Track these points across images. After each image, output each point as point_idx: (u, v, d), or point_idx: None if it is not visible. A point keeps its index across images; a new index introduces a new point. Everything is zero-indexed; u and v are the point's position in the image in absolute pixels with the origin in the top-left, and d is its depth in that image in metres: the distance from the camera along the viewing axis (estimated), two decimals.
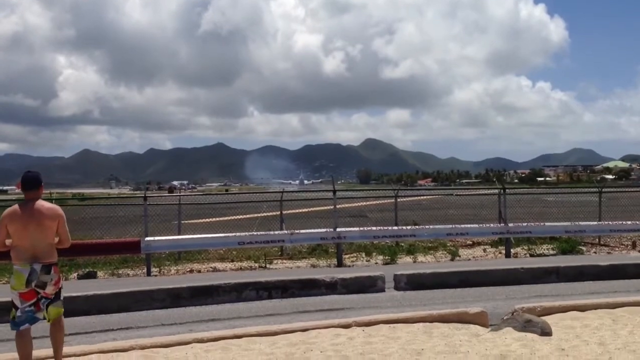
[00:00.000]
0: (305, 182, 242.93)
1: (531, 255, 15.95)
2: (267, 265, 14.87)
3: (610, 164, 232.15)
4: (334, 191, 16.47)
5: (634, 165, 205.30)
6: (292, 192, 32.98)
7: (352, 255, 16.15)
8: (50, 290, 5.12)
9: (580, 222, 16.82)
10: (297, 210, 21.65)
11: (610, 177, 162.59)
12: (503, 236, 16.17)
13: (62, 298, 5.27)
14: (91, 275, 13.81)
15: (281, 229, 16.00)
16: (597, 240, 18.06)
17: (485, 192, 24.93)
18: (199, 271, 14.37)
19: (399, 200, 18.93)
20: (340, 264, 14.73)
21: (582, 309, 7.08)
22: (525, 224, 16.70)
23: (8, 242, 5.15)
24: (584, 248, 16.83)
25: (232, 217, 22.35)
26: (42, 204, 5.21)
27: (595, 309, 7.09)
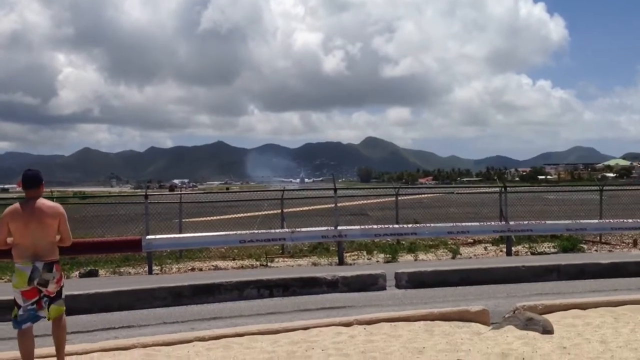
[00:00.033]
0: (306, 180, 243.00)
1: (532, 254, 15.94)
2: (269, 264, 14.88)
3: (611, 162, 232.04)
4: (335, 189, 16.48)
5: (635, 164, 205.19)
6: (293, 190, 33.00)
7: (353, 253, 16.16)
8: (52, 288, 5.12)
9: (581, 220, 16.80)
10: (298, 209, 21.68)
11: (611, 175, 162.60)
12: (504, 234, 16.17)
13: (63, 296, 5.27)
14: (92, 274, 13.82)
15: (282, 227, 16.00)
16: (598, 238, 18.06)
17: (486, 190, 24.91)
18: (201, 269, 14.38)
19: (399, 198, 18.93)
20: (341, 262, 14.74)
21: (583, 307, 7.07)
22: (526, 222, 16.72)
23: (9, 240, 5.15)
24: (585, 246, 16.83)
25: (233, 216, 22.37)
26: (43, 202, 5.22)
27: (597, 307, 7.09)
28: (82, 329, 7.37)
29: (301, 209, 22.05)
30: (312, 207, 21.77)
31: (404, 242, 17.11)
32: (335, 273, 10.19)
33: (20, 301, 5.04)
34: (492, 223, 16.51)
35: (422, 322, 6.58)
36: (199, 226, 18.85)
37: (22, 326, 5.03)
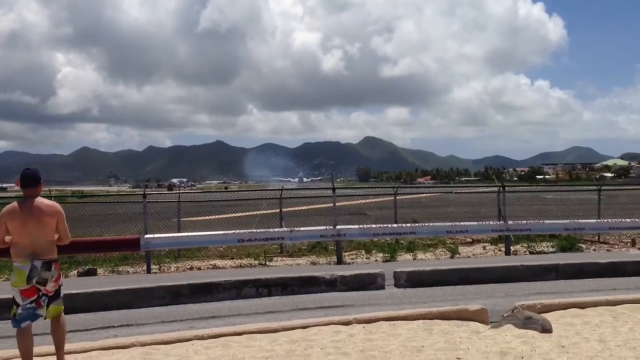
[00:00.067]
0: (305, 179, 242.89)
1: (531, 253, 15.96)
2: (267, 263, 14.87)
3: (610, 162, 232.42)
4: (334, 189, 16.47)
5: (633, 163, 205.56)
6: (292, 189, 32.99)
7: (351, 252, 16.16)
8: (50, 287, 5.12)
9: (579, 220, 16.79)
10: (296, 208, 21.66)
11: (609, 175, 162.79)
12: (503, 234, 16.18)
13: (62, 295, 5.27)
14: (91, 273, 13.81)
15: (281, 227, 15.99)
16: (596, 237, 18.07)
17: (485, 190, 24.93)
18: (199, 268, 14.37)
19: (398, 198, 18.92)
20: (340, 261, 14.74)
21: (582, 306, 7.08)
22: (524, 221, 16.71)
23: (7, 239, 5.14)
24: (583, 245, 16.84)
25: (232, 215, 22.36)
26: (41, 201, 5.21)
27: (595, 306, 7.10)
28: (80, 328, 7.37)
29: (300, 208, 22.04)
30: (310, 207, 21.77)
31: (402, 242, 17.11)
32: (333, 272, 10.18)
33: (19, 300, 5.04)
34: (491, 222, 16.51)
35: (421, 321, 6.58)
36: (198, 225, 18.83)
37: (21, 325, 5.03)
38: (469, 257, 15.48)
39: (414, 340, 5.84)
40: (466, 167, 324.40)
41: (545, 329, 6.08)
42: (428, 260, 14.79)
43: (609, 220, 16.95)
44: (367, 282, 9.99)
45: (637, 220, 16.72)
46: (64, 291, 5.36)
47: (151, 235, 14.16)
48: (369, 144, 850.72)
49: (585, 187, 24.19)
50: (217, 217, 21.85)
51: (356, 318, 6.64)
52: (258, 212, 21.18)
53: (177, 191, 34.90)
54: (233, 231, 15.04)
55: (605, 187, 20.41)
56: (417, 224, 16.62)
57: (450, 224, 16.31)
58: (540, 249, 16.36)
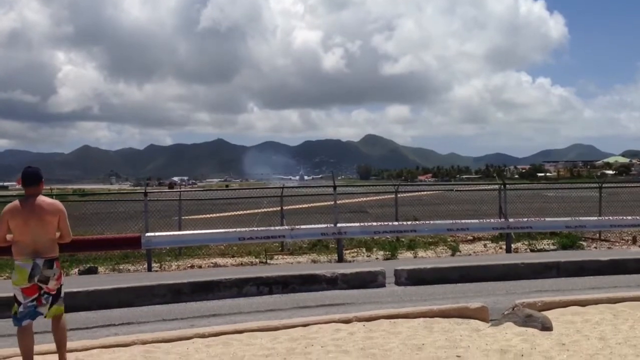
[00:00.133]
0: (306, 177, 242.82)
1: (532, 251, 15.96)
2: (268, 261, 14.88)
3: (611, 160, 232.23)
4: (334, 187, 16.47)
5: (634, 161, 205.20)
6: (293, 187, 32.99)
7: (352, 250, 16.16)
8: (52, 285, 5.12)
9: (580, 218, 16.79)
10: (297, 206, 21.65)
11: (610, 172, 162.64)
12: (503, 231, 16.17)
13: (62, 295, 5.26)
14: (92, 271, 13.82)
15: (282, 225, 15.99)
16: (597, 235, 18.06)
17: (486, 187, 24.90)
18: (200, 267, 14.39)
19: (399, 195, 18.92)
20: (340, 259, 14.74)
21: (582, 304, 7.08)
22: (525, 219, 16.70)
23: (9, 237, 5.15)
24: (584, 243, 16.83)
25: (233, 213, 22.36)
26: (42, 199, 5.21)
27: (596, 304, 7.10)
28: (81, 326, 7.38)
29: (300, 206, 22.03)
30: (311, 205, 21.75)
31: (403, 239, 17.11)
32: (334, 270, 10.20)
33: (20, 298, 5.04)
34: (492, 220, 16.49)
35: (421, 319, 6.59)
36: (199, 223, 18.85)
37: (22, 323, 5.03)
38: (470, 254, 15.49)
39: (414, 338, 5.85)
40: (467, 165, 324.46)
41: (546, 326, 6.08)
42: (429, 258, 14.79)
43: (610, 217, 16.93)
44: (368, 280, 10.00)
45: (638, 217, 16.70)
46: (64, 290, 5.36)
47: (152, 234, 14.17)
48: (370, 141, 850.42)
49: (586, 184, 24.13)
50: (218, 215, 21.86)
51: (357, 316, 6.64)
52: (259, 210, 21.17)
53: (178, 189, 34.95)
54: (234, 229, 15.03)
55: (606, 185, 20.40)
56: (418, 222, 16.62)
57: (451, 221, 16.30)
58: (541, 247, 16.36)
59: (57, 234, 5.26)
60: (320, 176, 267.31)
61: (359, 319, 6.55)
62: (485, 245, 16.86)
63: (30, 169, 5.34)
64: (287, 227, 15.25)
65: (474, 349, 5.46)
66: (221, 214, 22.19)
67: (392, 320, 6.52)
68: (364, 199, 29.69)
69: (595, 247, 16.56)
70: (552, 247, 16.29)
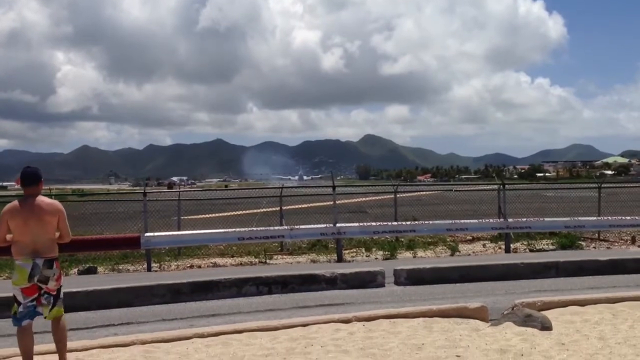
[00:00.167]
0: (305, 177, 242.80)
1: (531, 250, 15.97)
2: (267, 261, 14.88)
3: (610, 160, 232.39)
4: (334, 187, 16.47)
5: (633, 161, 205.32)
6: (292, 187, 32.98)
7: (352, 250, 16.17)
8: (52, 285, 5.12)
9: (579, 218, 16.80)
10: (296, 206, 21.64)
11: (609, 172, 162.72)
12: (503, 231, 16.17)
13: (62, 296, 5.26)
14: (91, 271, 13.82)
15: (281, 225, 15.99)
16: (596, 235, 18.08)
17: (485, 187, 24.92)
18: (199, 267, 14.38)
19: (398, 196, 18.92)
20: (340, 259, 14.74)
21: (582, 303, 7.09)
22: (524, 219, 16.72)
23: (9, 237, 5.14)
24: (583, 243, 16.85)
25: (232, 213, 22.35)
26: (42, 199, 5.21)
27: (595, 303, 7.11)
28: (81, 326, 7.37)
29: (300, 206, 22.02)
30: (310, 205, 21.74)
31: (402, 239, 17.11)
32: (334, 270, 10.19)
33: (20, 298, 5.04)
34: (491, 220, 16.50)
35: (421, 319, 6.59)
36: (198, 223, 18.84)
37: (21, 323, 5.03)
38: (469, 254, 15.49)
39: (414, 338, 5.85)
40: (466, 165, 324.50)
41: (545, 326, 6.08)
42: (428, 258, 14.80)
43: (609, 217, 16.95)
44: (367, 280, 10.00)
45: (637, 217, 16.73)
46: (64, 290, 5.35)
47: (151, 234, 14.17)
48: (369, 142, 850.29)
49: (585, 184, 24.14)
50: (217, 215, 21.85)
51: (356, 316, 6.65)
52: (258, 210, 21.17)
53: (177, 189, 34.92)
54: (233, 229, 15.03)
55: (605, 185, 20.41)
56: (417, 222, 16.63)
57: (450, 221, 16.31)
58: (541, 247, 16.37)
59: (57, 234, 5.26)
60: (319, 176, 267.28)
61: (359, 319, 6.55)
62: (484, 245, 16.86)
63: (29, 169, 5.34)
64: (286, 227, 15.25)
65: (474, 348, 5.46)
66: (220, 214, 22.18)
67: (392, 320, 6.52)
68: (363, 199, 29.69)
69: (594, 247, 16.58)
70: (551, 247, 16.30)
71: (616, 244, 17.23)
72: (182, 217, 17.45)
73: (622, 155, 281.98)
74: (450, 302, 7.57)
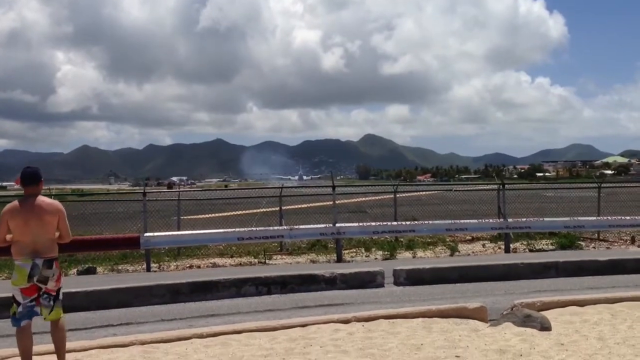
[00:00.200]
0: (305, 177, 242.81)
1: (530, 251, 15.97)
2: (267, 261, 14.88)
3: (610, 159, 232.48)
4: (333, 187, 16.47)
5: (633, 161, 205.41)
6: (292, 187, 32.97)
7: (351, 250, 16.16)
8: (52, 285, 5.12)
9: (579, 218, 16.81)
10: (296, 206, 21.64)
11: (609, 172, 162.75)
12: (502, 231, 16.18)
13: (61, 298, 5.25)
14: (91, 271, 13.81)
15: (280, 225, 16.00)
16: (596, 235, 18.08)
17: (485, 187, 24.91)
18: (199, 267, 14.38)
19: (398, 195, 18.92)
20: (339, 259, 14.74)
21: (581, 304, 7.09)
22: (524, 219, 16.72)
23: (9, 237, 5.14)
24: (583, 243, 16.85)
25: (232, 213, 22.35)
26: (42, 199, 5.21)
27: (595, 303, 7.11)
28: (80, 327, 7.38)
29: (299, 206, 22.02)
30: (310, 205, 21.75)
31: (402, 240, 17.11)
32: (333, 270, 10.20)
33: (19, 298, 5.04)
34: (491, 220, 16.50)
35: (420, 319, 6.59)
36: (197, 224, 18.84)
37: (20, 323, 5.03)
38: (469, 254, 15.50)
39: (413, 338, 5.85)
40: (466, 165, 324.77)
41: (544, 326, 6.08)
42: (428, 258, 14.80)
43: (609, 217, 16.96)
44: (367, 280, 10.00)
45: (636, 217, 16.73)
46: (63, 290, 5.34)
47: (151, 234, 14.17)
48: (369, 141, 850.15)
49: (585, 184, 24.15)
50: (216, 215, 21.84)
51: (355, 316, 6.64)
52: (258, 210, 21.17)
53: (177, 189, 34.92)
54: (233, 229, 15.04)
55: (605, 185, 20.41)
56: (416, 222, 16.63)
57: (450, 221, 16.31)
58: (540, 247, 16.37)
59: (57, 234, 5.26)
60: (319, 176, 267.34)
61: (358, 319, 6.55)
62: (484, 245, 16.87)
63: (29, 168, 5.34)
64: (286, 227, 15.25)
65: (473, 349, 5.46)
66: (220, 214, 22.17)
67: (391, 321, 6.52)
68: (363, 199, 29.69)
69: (594, 247, 16.58)
70: (550, 247, 16.30)
71: (616, 244, 17.24)
72: (182, 217, 17.45)
73: (622, 155, 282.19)
74: (450, 303, 7.57)
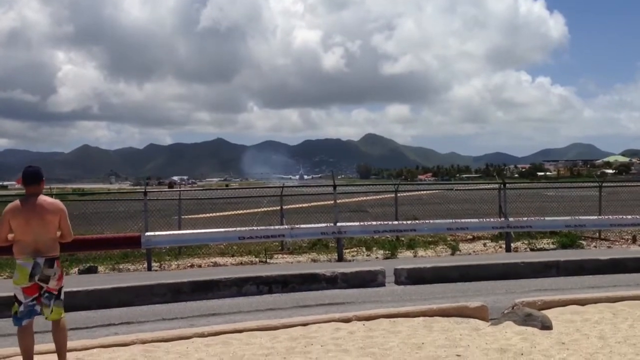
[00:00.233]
0: (305, 177, 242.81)
1: (531, 250, 15.97)
2: (268, 260, 14.89)
3: (611, 159, 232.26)
4: (334, 186, 16.47)
5: (634, 160, 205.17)
6: (292, 187, 32.99)
7: (352, 250, 16.17)
8: (53, 285, 5.12)
9: (580, 217, 16.80)
10: (297, 205, 21.65)
11: (610, 171, 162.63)
12: (503, 230, 16.17)
13: (62, 297, 5.25)
14: (92, 270, 13.82)
15: (281, 224, 16.00)
16: (597, 234, 18.06)
17: (486, 186, 24.90)
18: (200, 266, 14.39)
19: (399, 195, 18.92)
20: (340, 258, 14.74)
21: (582, 303, 7.09)
22: (525, 218, 16.71)
23: (10, 236, 5.14)
24: (584, 242, 16.84)
25: (233, 212, 22.35)
26: (44, 198, 5.21)
27: (596, 302, 7.11)
28: (81, 326, 7.38)
29: (300, 205, 22.02)
30: (311, 204, 21.75)
31: (403, 239, 17.11)
32: (334, 269, 10.20)
33: (21, 297, 5.04)
34: (491, 219, 16.50)
35: (421, 318, 6.59)
36: (198, 223, 18.85)
37: (22, 323, 5.03)
38: (470, 254, 15.49)
39: (414, 337, 5.85)
40: (467, 164, 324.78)
41: (545, 325, 6.08)
42: (428, 257, 14.79)
43: (610, 217, 16.94)
44: (368, 280, 9.99)
45: (638, 216, 16.72)
46: (64, 289, 5.34)
47: (152, 233, 14.18)
48: (370, 141, 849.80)
49: (586, 183, 24.14)
50: (217, 214, 21.86)
51: (356, 315, 6.65)
52: (259, 210, 21.17)
53: (178, 189, 34.93)
54: (234, 229, 15.03)
55: (606, 184, 20.40)
56: (417, 221, 16.62)
57: (450, 221, 16.30)
58: (541, 246, 16.37)
59: (58, 233, 5.26)
60: (319, 175, 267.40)
61: (359, 318, 6.55)
62: (485, 245, 16.86)
63: (31, 168, 5.34)
64: (287, 227, 15.25)
65: (474, 348, 5.46)
66: (221, 214, 22.19)
67: (392, 320, 6.53)
68: (364, 198, 29.69)
69: (595, 246, 16.57)
70: (551, 246, 16.30)
71: (617, 243, 17.23)
72: (183, 217, 17.45)
73: (623, 154, 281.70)
74: (451, 302, 7.57)
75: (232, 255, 15.78)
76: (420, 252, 15.61)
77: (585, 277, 10.36)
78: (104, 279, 11.61)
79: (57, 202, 5.36)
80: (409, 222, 16.52)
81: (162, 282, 9.40)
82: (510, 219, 16.07)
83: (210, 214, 21.66)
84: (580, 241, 16.74)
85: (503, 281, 9.99)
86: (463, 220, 16.33)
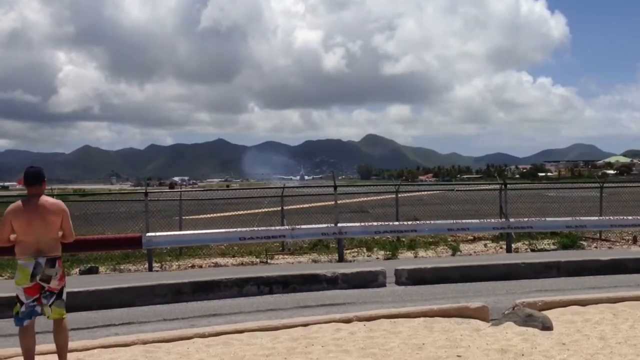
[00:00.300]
0: (306, 177, 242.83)
1: (532, 250, 15.96)
2: (269, 261, 14.90)
3: (612, 159, 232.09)
4: (335, 187, 16.47)
5: (635, 161, 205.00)
6: (293, 187, 32.97)
7: (353, 250, 16.17)
8: (54, 284, 5.12)
9: (581, 217, 16.79)
10: (298, 206, 21.67)
11: (611, 172, 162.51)
12: (504, 231, 16.17)
13: (64, 297, 5.26)
14: (93, 271, 13.83)
15: (282, 225, 16.01)
16: (598, 235, 18.06)
17: (486, 187, 24.91)
18: (201, 267, 14.40)
19: (400, 195, 18.93)
20: (341, 259, 14.75)
21: (583, 303, 7.09)
22: (526, 219, 16.71)
23: (12, 237, 5.15)
24: (584, 243, 16.83)
25: (233, 213, 22.38)
26: (45, 199, 5.22)
27: (596, 303, 7.11)
28: (82, 326, 7.39)
29: (301, 206, 22.04)
30: (312, 205, 21.76)
31: (404, 239, 17.11)
32: (335, 270, 10.20)
33: (23, 298, 5.05)
34: (492, 220, 16.50)
35: (421, 319, 6.60)
36: (199, 223, 18.86)
37: (23, 323, 5.04)
38: (470, 254, 15.49)
39: (414, 338, 5.85)
40: (468, 165, 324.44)
41: (546, 326, 6.08)
42: (429, 258, 14.80)
43: (611, 217, 16.94)
44: (369, 280, 10.00)
45: (638, 217, 16.71)
46: (66, 289, 5.35)
47: (153, 234, 14.19)
48: (371, 141, 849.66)
49: (587, 184, 24.14)
50: (218, 215, 21.88)
51: (357, 316, 6.65)
52: (259, 210, 21.18)
53: (179, 189, 34.95)
54: (234, 229, 15.05)
55: (607, 185, 20.40)
56: (418, 222, 16.63)
57: (451, 221, 16.32)
58: (542, 247, 16.36)
59: (60, 234, 5.26)
60: (320, 176, 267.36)
61: (360, 319, 6.56)
62: (485, 245, 16.86)
63: (32, 168, 5.35)
64: (287, 227, 15.26)
65: (475, 348, 5.47)
66: (222, 214, 22.21)
67: (393, 320, 6.53)
68: (365, 198, 29.71)
69: (596, 247, 16.56)
70: (552, 247, 16.29)
71: (618, 243, 17.22)
72: (184, 217, 17.46)
73: (624, 154, 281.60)
74: (451, 302, 7.58)
75: (233, 256, 15.79)
76: (421, 253, 15.61)
77: (586, 277, 10.36)
78: (105, 280, 11.62)
79: (59, 202, 5.37)
80: (409, 222, 16.53)
81: (163, 282, 9.41)
82: (511, 220, 16.07)
83: (211, 215, 21.67)
84: (581, 242, 16.73)
85: (504, 282, 10.00)
86: (464, 220, 16.34)
